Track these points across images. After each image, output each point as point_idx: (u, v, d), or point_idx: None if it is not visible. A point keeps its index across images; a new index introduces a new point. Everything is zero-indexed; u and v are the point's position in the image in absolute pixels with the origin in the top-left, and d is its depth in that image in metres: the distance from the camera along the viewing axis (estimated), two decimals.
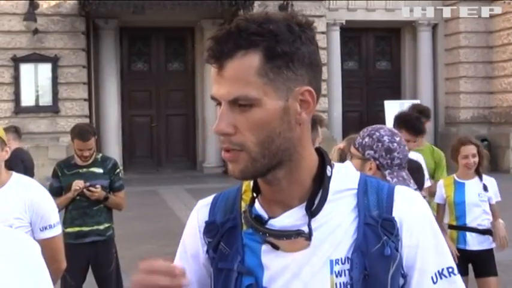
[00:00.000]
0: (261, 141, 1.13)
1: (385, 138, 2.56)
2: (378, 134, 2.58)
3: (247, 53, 1.12)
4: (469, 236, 4.64)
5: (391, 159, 2.54)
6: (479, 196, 4.64)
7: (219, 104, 1.15)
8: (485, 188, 4.65)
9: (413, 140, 4.55)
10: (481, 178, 4.70)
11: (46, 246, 2.82)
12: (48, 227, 2.91)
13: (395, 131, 2.70)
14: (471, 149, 4.66)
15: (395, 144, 2.57)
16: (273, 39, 1.12)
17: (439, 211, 4.77)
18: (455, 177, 4.77)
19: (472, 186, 4.67)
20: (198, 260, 1.29)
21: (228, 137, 1.14)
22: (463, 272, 4.51)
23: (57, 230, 2.98)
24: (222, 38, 1.13)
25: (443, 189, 4.76)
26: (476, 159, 4.65)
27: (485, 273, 4.64)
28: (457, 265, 4.40)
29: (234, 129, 1.13)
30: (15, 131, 6.86)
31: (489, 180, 4.75)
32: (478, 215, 4.64)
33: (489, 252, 4.69)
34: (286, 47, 1.12)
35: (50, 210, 2.95)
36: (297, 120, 1.16)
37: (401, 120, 4.60)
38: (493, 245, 4.68)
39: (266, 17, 1.14)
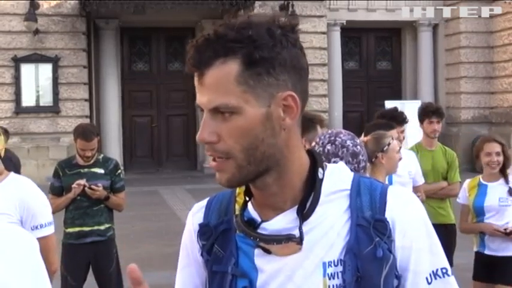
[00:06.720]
0: (245, 148, 1.12)
1: (348, 142, 2.50)
2: (339, 139, 2.51)
3: (226, 60, 1.10)
4: (487, 239, 4.35)
5: (358, 163, 2.50)
6: (499, 200, 4.31)
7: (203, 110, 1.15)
8: (510, 192, 4.31)
9: (400, 131, 4.48)
10: (506, 180, 4.36)
11: None
12: (39, 227, 2.87)
13: (352, 133, 2.63)
14: (495, 147, 4.37)
15: (358, 147, 2.53)
16: (252, 45, 1.09)
17: (462, 212, 4.56)
18: (480, 179, 4.49)
19: (494, 189, 4.36)
20: (199, 264, 1.29)
21: (211, 145, 1.13)
22: (482, 278, 4.37)
23: (49, 230, 2.92)
24: (201, 47, 1.11)
25: (466, 191, 4.51)
26: (501, 158, 4.35)
27: (503, 280, 4.31)
28: (476, 270, 4.10)
29: (217, 137, 1.12)
30: (5, 132, 7.06)
31: None
32: (496, 220, 4.32)
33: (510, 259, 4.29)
34: (265, 53, 1.09)
35: (41, 210, 2.90)
36: (281, 125, 1.13)
37: (382, 116, 4.65)
38: None
39: (246, 22, 1.11)
